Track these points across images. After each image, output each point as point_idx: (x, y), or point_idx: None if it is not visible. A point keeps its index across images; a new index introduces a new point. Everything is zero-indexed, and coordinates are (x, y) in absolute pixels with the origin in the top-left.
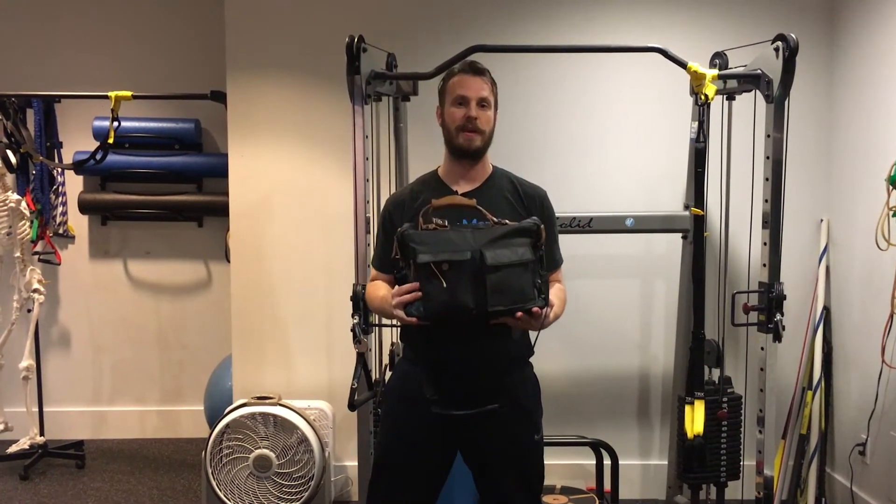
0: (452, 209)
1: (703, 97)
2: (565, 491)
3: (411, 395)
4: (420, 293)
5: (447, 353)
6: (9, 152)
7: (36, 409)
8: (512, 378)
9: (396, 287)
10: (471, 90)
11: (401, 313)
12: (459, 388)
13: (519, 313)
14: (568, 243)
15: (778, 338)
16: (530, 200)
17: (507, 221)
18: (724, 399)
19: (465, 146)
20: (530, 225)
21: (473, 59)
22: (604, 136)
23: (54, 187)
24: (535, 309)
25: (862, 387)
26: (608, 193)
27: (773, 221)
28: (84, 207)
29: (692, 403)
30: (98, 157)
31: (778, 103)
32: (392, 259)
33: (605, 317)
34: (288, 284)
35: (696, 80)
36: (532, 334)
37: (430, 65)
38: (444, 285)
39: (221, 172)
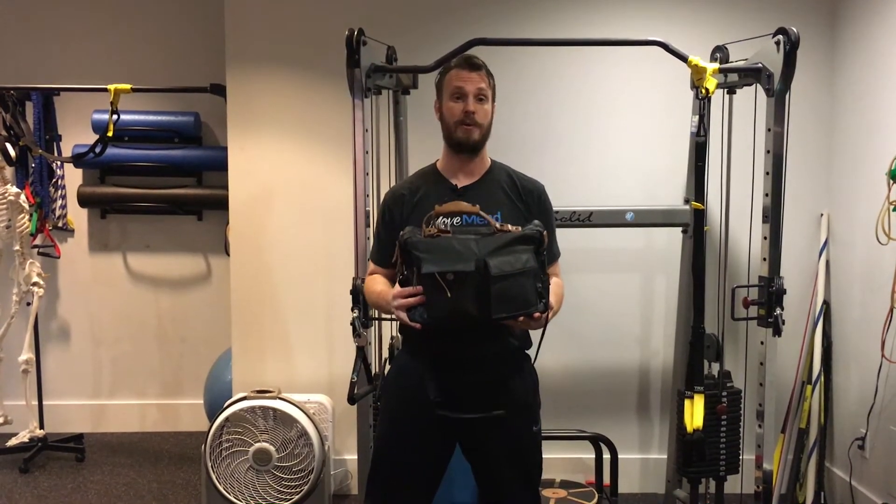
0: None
1: (703, 91)
2: (565, 485)
3: (410, 389)
4: (423, 297)
5: (447, 349)
6: (8, 145)
7: (35, 403)
8: (511, 371)
9: (398, 287)
10: (468, 84)
11: (403, 315)
12: (460, 385)
13: (521, 317)
14: (568, 237)
15: (778, 332)
16: (528, 195)
17: (509, 227)
18: (724, 393)
19: (464, 140)
20: (533, 232)
21: (470, 54)
22: (604, 131)
23: (53, 180)
24: (536, 314)
25: (861, 381)
26: (608, 187)
27: (773, 216)
28: (83, 201)
29: (692, 398)
30: (97, 150)
31: (779, 97)
32: (393, 262)
33: (605, 311)
34: (288, 278)
35: (697, 74)
36: (534, 333)
37: (430, 58)
38: (449, 295)
39: (221, 166)
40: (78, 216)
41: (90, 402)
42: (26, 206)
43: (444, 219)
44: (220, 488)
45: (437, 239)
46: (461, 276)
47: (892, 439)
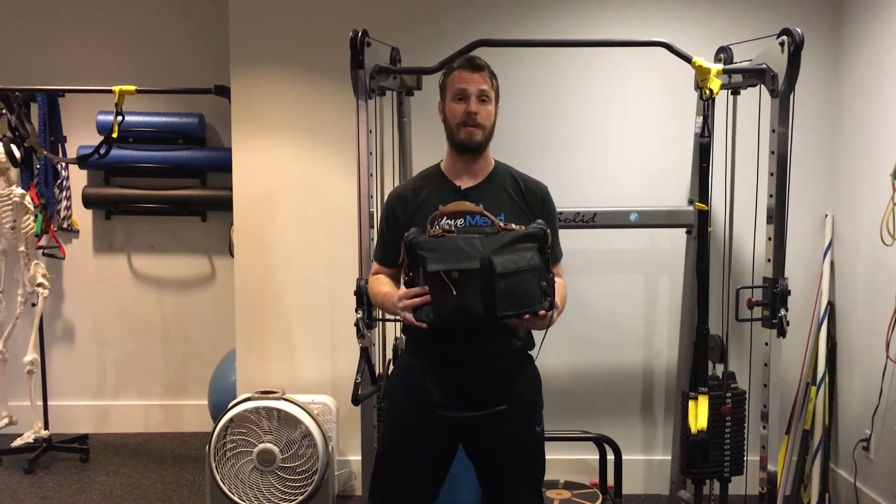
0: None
1: (707, 92)
2: (569, 486)
3: (413, 388)
4: (429, 297)
5: (451, 349)
6: (13, 146)
7: (40, 403)
8: (514, 371)
9: (403, 289)
10: (470, 85)
11: (409, 316)
12: (464, 385)
13: (526, 316)
14: (572, 238)
15: (782, 333)
16: (532, 196)
17: (513, 226)
18: (728, 394)
19: (467, 141)
20: (537, 230)
21: (473, 55)
22: (608, 131)
23: (58, 181)
24: (542, 312)
25: (866, 382)
26: (612, 188)
27: (777, 216)
28: (88, 202)
29: (696, 399)
30: (102, 151)
31: (783, 98)
32: (399, 263)
33: (609, 312)
34: (291, 279)
35: (701, 75)
36: (537, 333)
37: (434, 59)
38: (454, 293)
39: (225, 167)
40: (83, 217)
41: (94, 403)
42: (31, 207)
43: (449, 219)
44: (225, 489)
45: (442, 239)
46: (466, 273)
47: None
